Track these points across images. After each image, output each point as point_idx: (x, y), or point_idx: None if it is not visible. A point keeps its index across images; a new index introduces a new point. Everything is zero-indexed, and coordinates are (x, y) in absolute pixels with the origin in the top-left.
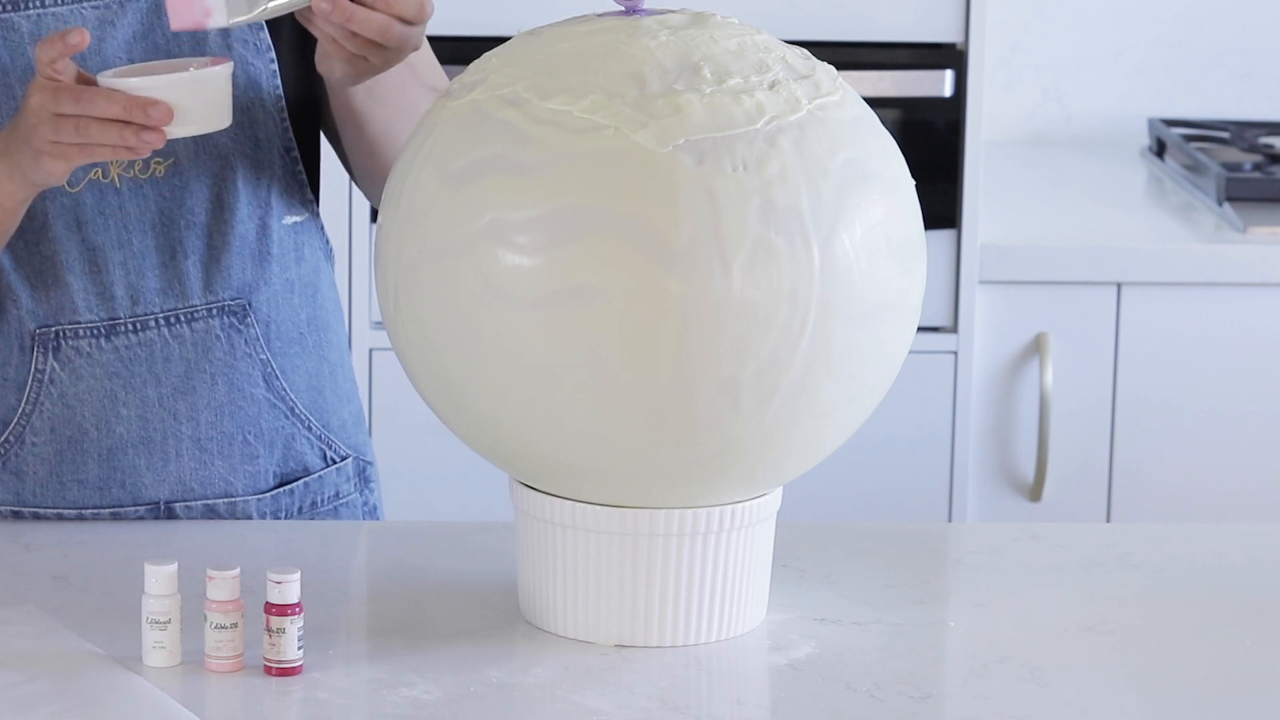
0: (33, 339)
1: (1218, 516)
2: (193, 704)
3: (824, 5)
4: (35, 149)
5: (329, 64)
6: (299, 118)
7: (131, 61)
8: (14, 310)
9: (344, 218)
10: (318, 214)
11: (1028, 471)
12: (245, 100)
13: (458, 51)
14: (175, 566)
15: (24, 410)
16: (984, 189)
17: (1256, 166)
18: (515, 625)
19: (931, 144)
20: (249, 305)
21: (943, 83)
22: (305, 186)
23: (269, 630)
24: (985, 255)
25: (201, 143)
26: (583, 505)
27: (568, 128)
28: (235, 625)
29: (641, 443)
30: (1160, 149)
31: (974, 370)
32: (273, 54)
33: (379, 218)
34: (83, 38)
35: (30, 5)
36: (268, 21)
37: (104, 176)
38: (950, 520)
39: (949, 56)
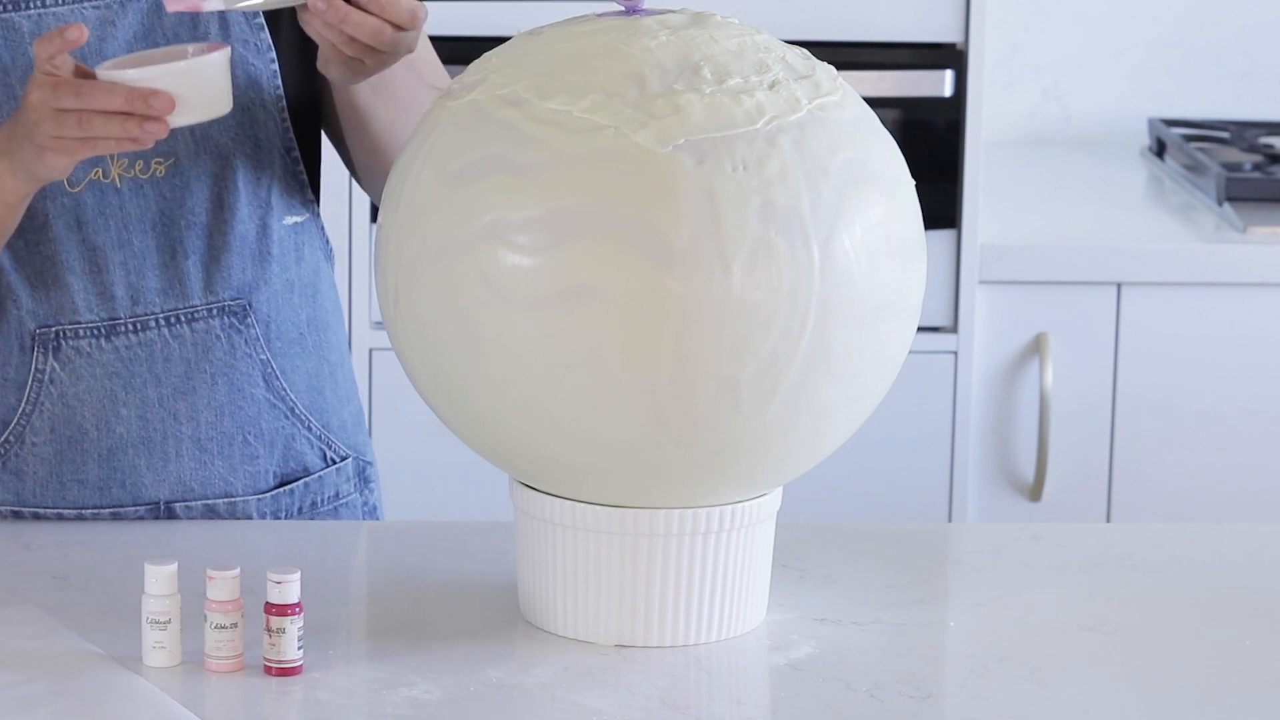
0: (33, 339)
1: (1218, 516)
2: (193, 704)
3: (824, 5)
4: (38, 145)
5: (328, 65)
6: (300, 118)
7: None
8: (14, 310)
9: (344, 218)
10: (318, 214)
11: (1028, 471)
12: (246, 100)
13: (458, 51)
14: (175, 566)
15: (24, 410)
16: (984, 189)
17: (1256, 166)
18: (515, 625)
19: (931, 144)
20: (249, 305)
21: (943, 83)
22: (306, 187)
23: (269, 630)
24: (985, 255)
25: (202, 143)
26: (583, 505)
27: (568, 128)
28: (235, 625)
29: (641, 443)
30: (1160, 149)
31: (974, 370)
32: (273, 54)
33: (379, 218)
34: (81, 33)
35: (31, 5)
36: (268, 22)
37: (104, 176)
38: (950, 520)
39: (949, 56)
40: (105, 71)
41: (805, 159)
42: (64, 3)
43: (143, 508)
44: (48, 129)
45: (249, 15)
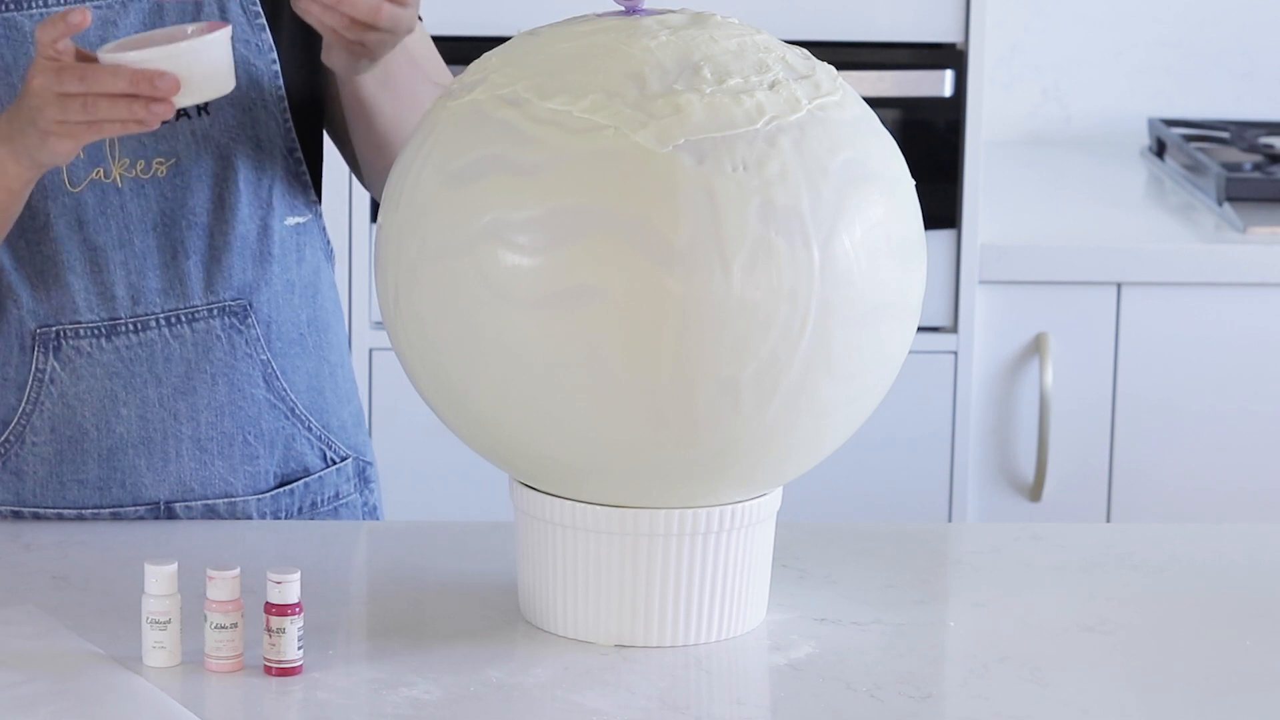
0: (33, 338)
1: (1218, 516)
2: (193, 704)
3: (824, 5)
4: (41, 130)
5: (330, 54)
6: (302, 118)
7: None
8: (15, 310)
9: (344, 218)
10: (320, 214)
11: (1028, 471)
12: (247, 101)
13: (458, 51)
14: (175, 566)
15: (24, 410)
16: (984, 189)
17: (1256, 166)
18: (515, 625)
19: (931, 144)
20: (250, 306)
21: (943, 83)
22: (309, 187)
23: (269, 630)
24: (985, 255)
25: (203, 143)
26: (583, 505)
27: (568, 128)
28: (235, 625)
29: (641, 443)
30: (1160, 149)
31: (974, 370)
32: (274, 54)
33: (379, 218)
34: (84, 17)
35: (33, 4)
36: (269, 23)
37: (105, 176)
38: (950, 520)
39: (949, 56)
40: (107, 55)
41: (805, 159)
42: (65, 2)
43: (143, 508)
44: (52, 114)
45: (250, 15)
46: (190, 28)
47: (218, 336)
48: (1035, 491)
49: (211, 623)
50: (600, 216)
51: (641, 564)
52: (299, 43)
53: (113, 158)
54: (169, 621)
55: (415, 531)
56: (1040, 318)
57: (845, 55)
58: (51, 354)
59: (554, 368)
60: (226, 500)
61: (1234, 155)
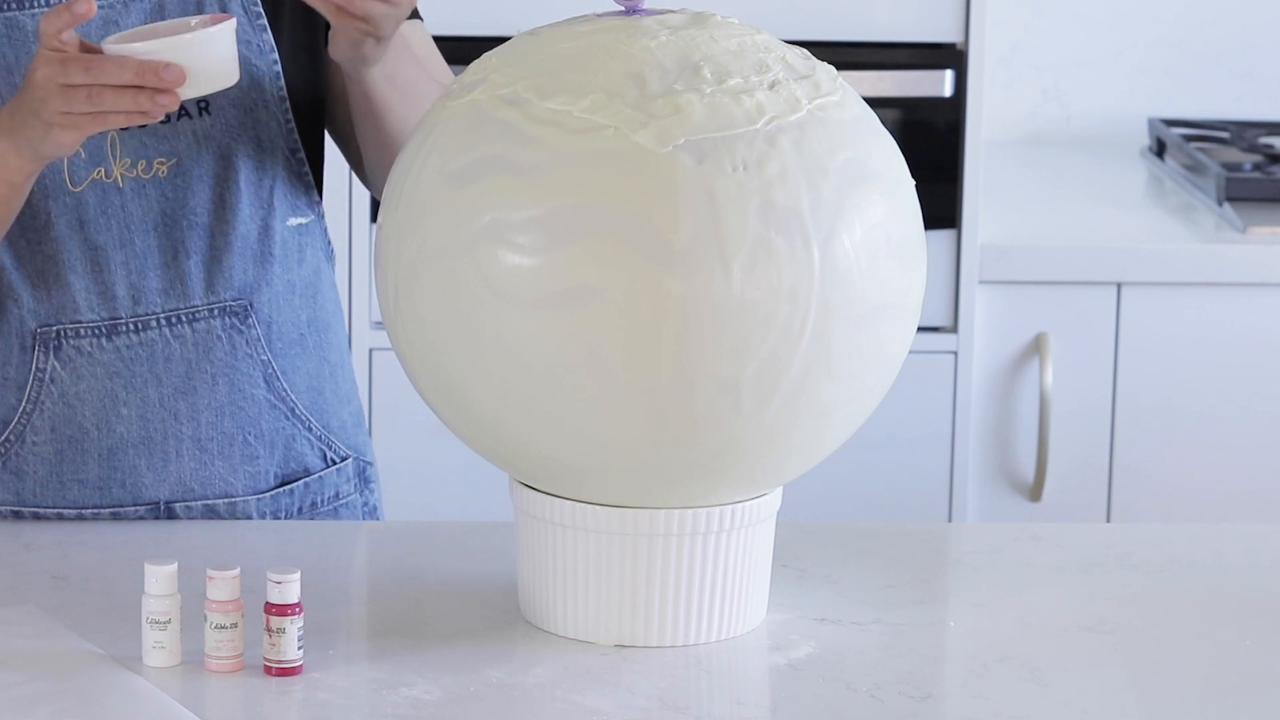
0: (34, 338)
1: (1218, 516)
2: (193, 704)
3: (824, 5)
4: (45, 121)
5: (336, 42)
6: (303, 119)
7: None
8: (15, 309)
9: (344, 218)
10: (322, 215)
11: (1028, 471)
12: (248, 101)
13: (458, 51)
14: (175, 566)
15: (24, 409)
16: (984, 189)
17: (1256, 166)
18: (515, 625)
19: (931, 144)
20: (250, 306)
21: (943, 83)
22: (311, 188)
23: (269, 630)
24: (985, 255)
25: (204, 143)
26: (583, 505)
27: (568, 128)
28: (235, 625)
29: (641, 443)
30: (1160, 149)
31: (974, 370)
32: (276, 54)
33: (379, 217)
34: (89, 7)
35: (35, 4)
36: (270, 23)
37: (106, 176)
38: (950, 520)
39: (949, 56)
40: (112, 46)
41: (805, 159)
42: None
43: (143, 508)
44: (56, 105)
45: (251, 16)
46: (194, 20)
47: (218, 336)
48: (1035, 491)
49: (211, 623)
50: (600, 216)
51: (641, 564)
52: (301, 43)
53: (114, 157)
54: (169, 621)
55: (415, 531)
56: (1040, 318)
57: (845, 55)
58: (52, 353)
59: (554, 368)
60: (226, 500)
61: (1234, 155)
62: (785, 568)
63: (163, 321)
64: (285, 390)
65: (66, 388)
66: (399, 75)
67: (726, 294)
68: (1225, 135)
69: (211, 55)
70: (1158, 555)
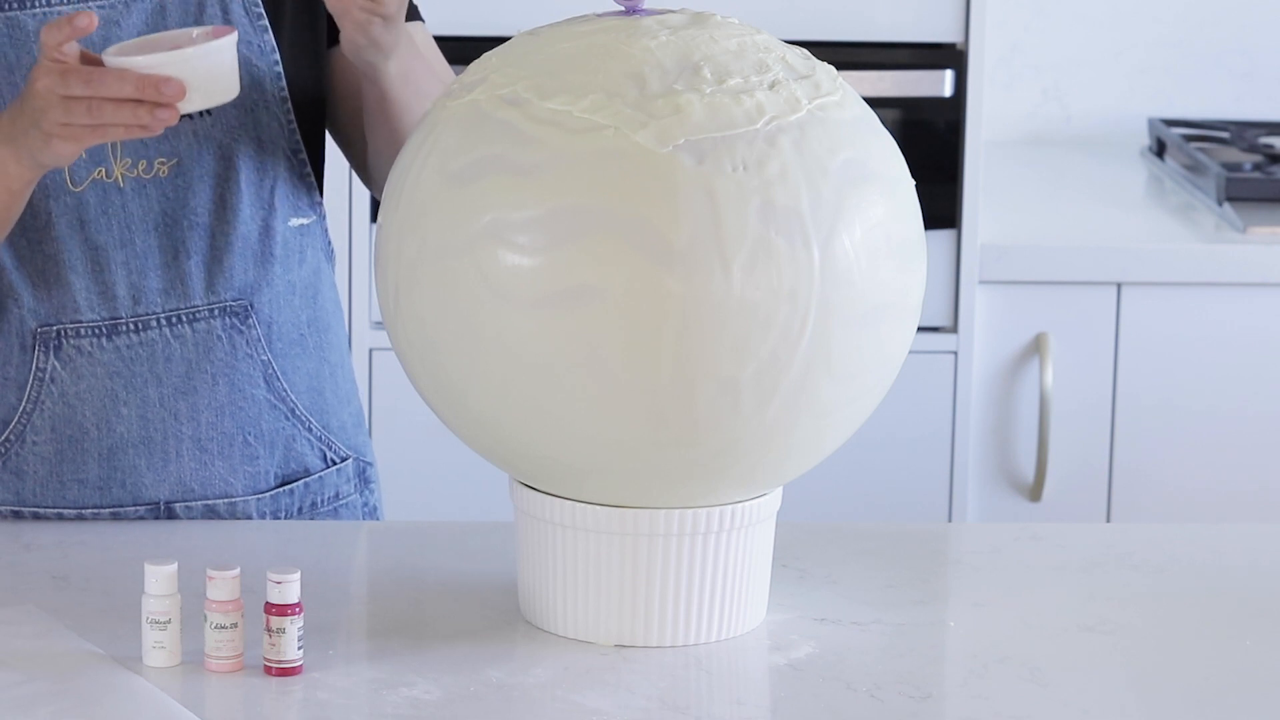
0: (34, 338)
1: (1218, 516)
2: (193, 704)
3: (824, 5)
4: (44, 132)
5: (347, 35)
6: (305, 120)
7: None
8: (15, 309)
9: (344, 218)
10: (323, 215)
11: (1028, 471)
12: (249, 102)
13: (458, 51)
14: (175, 566)
15: (25, 409)
16: (984, 189)
17: (1256, 166)
18: (515, 625)
19: (931, 144)
20: (251, 306)
21: (943, 83)
22: (313, 188)
23: (269, 630)
24: (985, 255)
25: (205, 143)
26: (583, 505)
27: (568, 128)
28: (235, 625)
29: (641, 443)
30: (1160, 149)
31: (974, 370)
32: (277, 55)
33: (379, 217)
34: (90, 21)
35: (36, 4)
36: (272, 24)
37: (107, 176)
38: (950, 520)
39: (949, 56)
40: (113, 58)
41: (805, 159)
42: (69, 1)
43: (143, 508)
44: (56, 116)
45: (253, 17)
46: (195, 32)
47: (218, 337)
48: (1035, 491)
49: (211, 623)
50: (600, 216)
51: (641, 564)
52: (302, 43)
53: (115, 157)
54: (169, 621)
55: (415, 531)
56: (1040, 318)
57: (845, 55)
58: (52, 353)
59: (554, 368)
60: (226, 500)
61: (1234, 155)
62: (785, 568)
63: (163, 321)
64: (285, 390)
65: (67, 387)
66: (412, 74)
67: (726, 294)
68: (1225, 135)
69: (212, 69)
70: (1158, 555)
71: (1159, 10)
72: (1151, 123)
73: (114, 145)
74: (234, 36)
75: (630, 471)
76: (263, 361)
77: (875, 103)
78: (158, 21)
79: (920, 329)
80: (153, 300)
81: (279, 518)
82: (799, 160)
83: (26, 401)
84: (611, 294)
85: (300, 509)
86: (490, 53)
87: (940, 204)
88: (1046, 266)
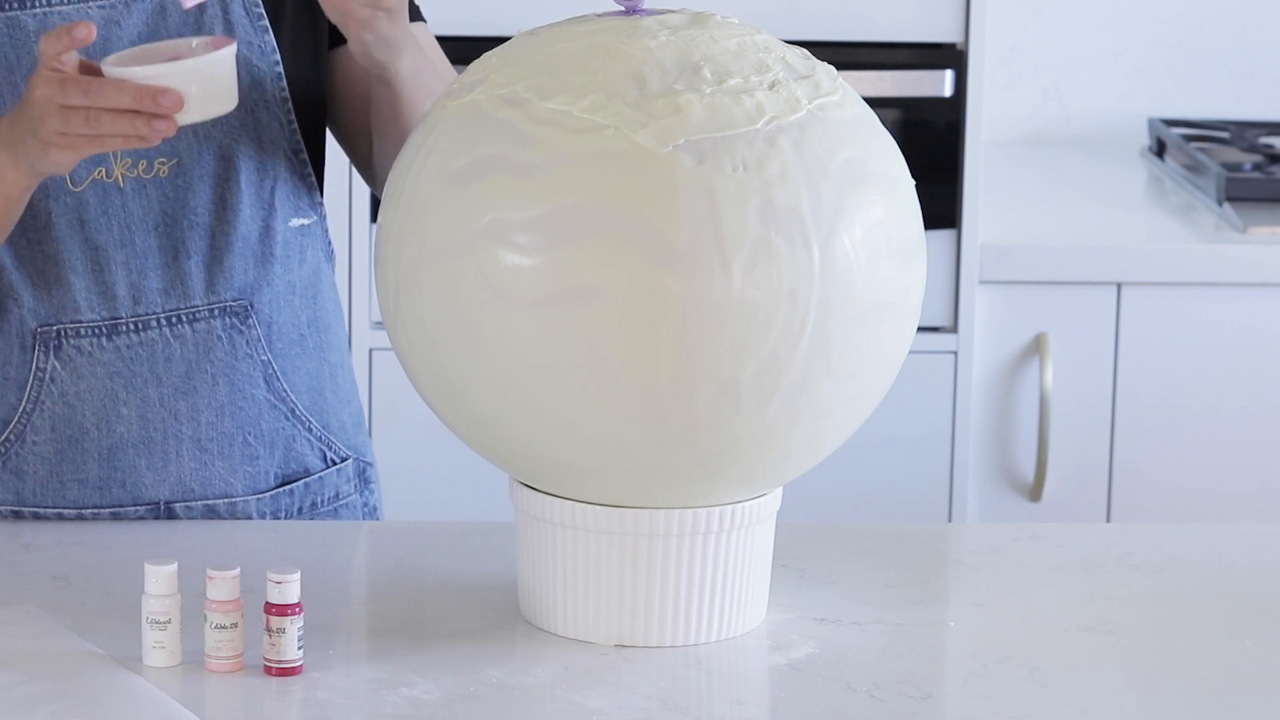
0: (34, 338)
1: (1218, 516)
2: (193, 704)
3: (824, 5)
4: (42, 140)
5: (354, 38)
6: (305, 120)
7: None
8: (15, 309)
9: (344, 218)
10: (324, 216)
11: (1028, 471)
12: (249, 102)
13: (458, 51)
14: (175, 566)
15: (25, 409)
16: (984, 189)
17: (1256, 166)
18: (515, 625)
19: (931, 144)
20: (251, 306)
21: (943, 83)
22: (314, 189)
23: (269, 630)
24: (985, 255)
25: (205, 143)
26: (583, 505)
27: (568, 128)
28: (235, 625)
29: (641, 443)
30: (1160, 149)
31: (974, 370)
32: (277, 56)
33: (379, 217)
34: (89, 32)
35: (37, 4)
36: (272, 24)
37: (107, 176)
38: (950, 520)
39: (949, 56)
40: (111, 68)
41: (805, 159)
42: (69, 1)
43: (143, 508)
44: (53, 125)
45: (253, 17)
46: (195, 42)
47: (218, 337)
48: (1035, 491)
49: (211, 623)
50: (600, 216)
51: (641, 564)
52: (303, 44)
53: (115, 157)
54: (169, 621)
55: (415, 531)
56: (1040, 318)
57: (845, 55)
58: (52, 353)
59: (554, 368)
60: (226, 500)
61: (1234, 155)
62: (785, 568)
63: (163, 321)
64: (285, 391)
65: (67, 387)
66: (422, 75)
67: (726, 294)
68: (1225, 135)
69: (211, 81)
70: (1158, 555)
71: (1159, 10)
72: (1151, 123)
73: None
74: (233, 48)
75: (630, 471)
76: (263, 361)
77: (875, 103)
78: (158, 22)
79: (920, 329)
80: (153, 300)
81: (279, 518)
82: (799, 160)
83: (26, 401)
84: (611, 294)
85: (300, 509)
86: (490, 53)
87: (940, 204)
88: (1046, 266)
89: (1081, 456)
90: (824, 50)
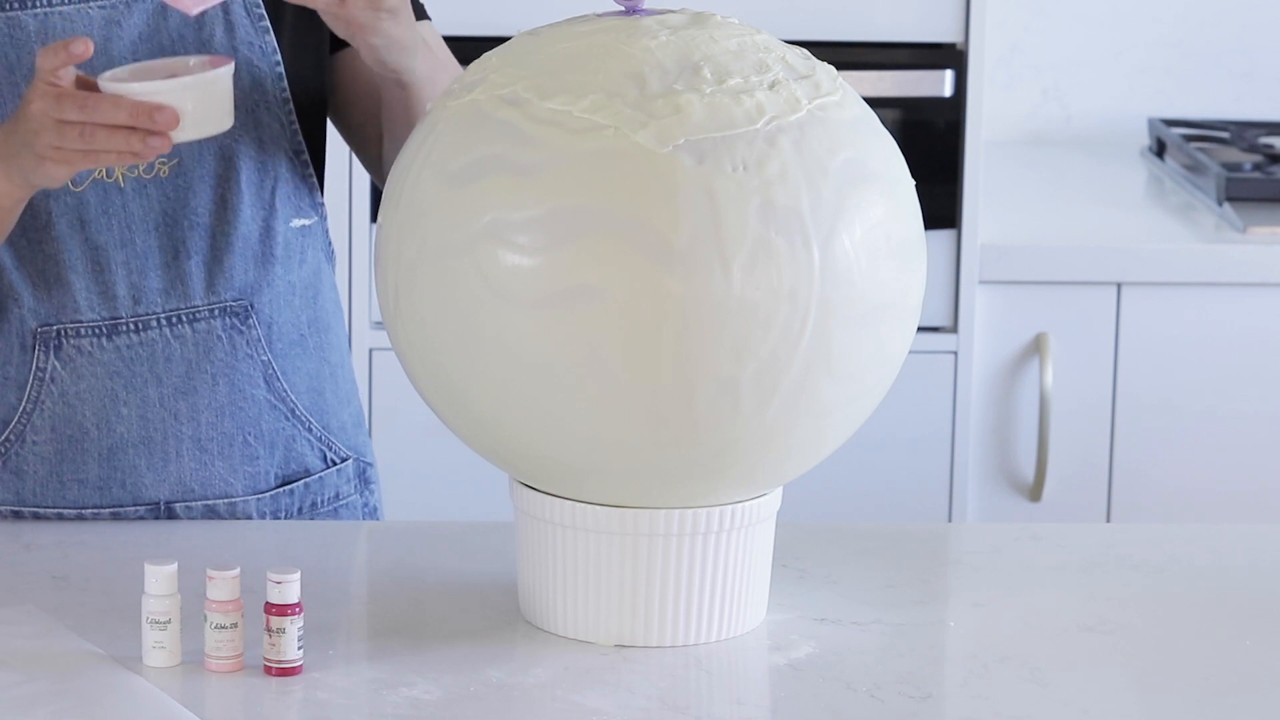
0: (34, 337)
1: (1218, 516)
2: (193, 704)
3: (824, 5)
4: (37, 154)
5: (366, 46)
6: (306, 121)
7: (138, 61)
8: (16, 309)
9: (344, 218)
10: (325, 216)
11: (1028, 471)
12: (250, 103)
13: (458, 51)
14: (175, 566)
15: (25, 409)
16: (984, 189)
17: (1256, 166)
18: (515, 625)
19: (931, 144)
20: (251, 306)
21: (943, 83)
22: (315, 189)
23: (269, 630)
24: (985, 255)
25: (206, 144)
26: (583, 505)
27: (568, 128)
28: (235, 625)
29: (641, 443)
30: (1160, 149)
31: (974, 370)
32: (278, 57)
33: (379, 217)
34: (86, 47)
35: (37, 4)
36: (273, 25)
37: (108, 176)
38: (950, 520)
39: (949, 56)
40: (108, 84)
41: (805, 159)
42: (69, 2)
43: (143, 508)
44: (48, 139)
45: (254, 18)
46: (192, 60)
47: (219, 337)
48: (1035, 491)
49: (211, 623)
50: (600, 216)
51: (641, 564)
52: (304, 44)
53: None
54: (169, 621)
55: (415, 531)
56: (1040, 318)
57: (845, 55)
58: (52, 353)
59: (554, 368)
60: (226, 500)
61: (1234, 155)
62: (785, 568)
63: (163, 321)
64: (285, 391)
65: (67, 387)
66: (435, 74)
67: (726, 294)
68: (1225, 135)
69: (207, 99)
70: (1158, 555)
71: (1159, 10)
72: (1151, 123)
73: None
74: (230, 67)
75: (630, 471)
76: (263, 362)
77: (875, 103)
78: (159, 22)
79: (920, 329)
80: (153, 300)
81: (279, 518)
82: (799, 160)
83: (26, 401)
84: (611, 294)
85: (300, 509)
86: (490, 53)
87: (940, 204)
88: (1046, 266)
89: (1081, 456)
90: (824, 50)
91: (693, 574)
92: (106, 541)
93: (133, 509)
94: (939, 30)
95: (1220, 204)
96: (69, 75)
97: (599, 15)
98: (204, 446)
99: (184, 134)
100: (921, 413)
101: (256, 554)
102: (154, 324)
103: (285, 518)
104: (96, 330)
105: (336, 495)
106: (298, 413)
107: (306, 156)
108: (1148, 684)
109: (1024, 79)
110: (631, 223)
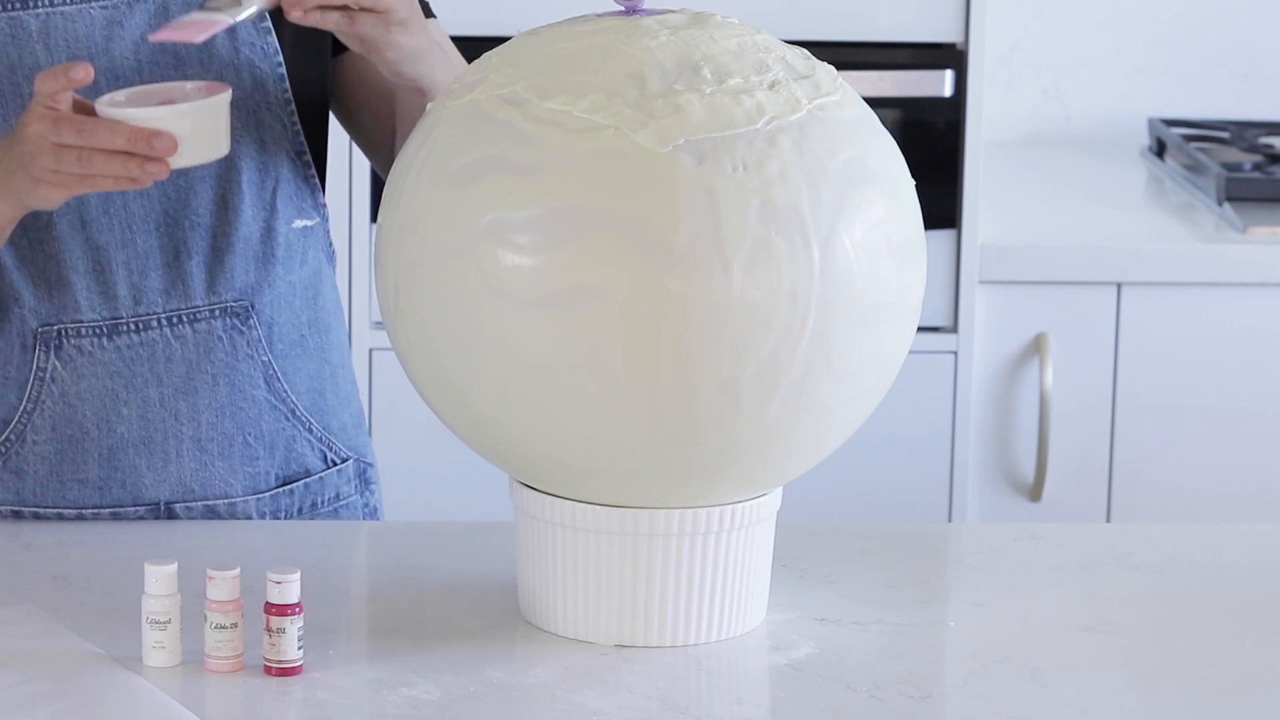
0: (35, 337)
1: (1218, 516)
2: (193, 704)
3: (824, 5)
4: (34, 177)
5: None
6: (308, 122)
7: (139, 63)
8: (16, 309)
9: (344, 218)
10: (327, 217)
11: (1028, 471)
12: (252, 104)
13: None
14: (175, 566)
15: (25, 409)
16: (984, 189)
17: (1256, 166)
18: (515, 625)
19: (931, 144)
20: (251, 307)
21: (943, 83)
22: (317, 190)
23: (269, 630)
24: (985, 255)
25: None
26: (583, 505)
27: (568, 128)
28: (235, 625)
29: (641, 443)
30: (1160, 149)
31: (974, 370)
32: (280, 58)
33: (379, 218)
34: (87, 73)
35: (39, 4)
36: (275, 26)
37: None
38: (950, 520)
39: (949, 56)
40: (105, 108)
41: (805, 159)
42: (71, 2)
43: (143, 508)
44: (45, 163)
45: (255, 19)
46: (189, 86)
47: (219, 337)
48: (1035, 491)
49: (211, 623)
50: (600, 216)
51: (641, 564)
52: (305, 45)
53: None
54: (169, 621)
55: (415, 531)
56: (1040, 318)
57: (845, 55)
58: (53, 353)
59: (554, 368)
60: (226, 501)
61: (1234, 155)
62: (785, 568)
63: (164, 321)
64: (286, 391)
65: (67, 387)
66: (450, 77)
67: (726, 294)
68: (1225, 135)
69: (205, 125)
70: (1158, 555)
71: (1159, 10)
72: (1151, 123)
73: None
74: (228, 95)
75: (630, 471)
76: (263, 362)
77: (875, 103)
78: (160, 22)
79: (920, 329)
80: (154, 300)
81: (279, 518)
82: (799, 160)
83: (27, 401)
84: (611, 294)
85: (300, 509)
86: (490, 53)
87: (940, 204)
88: (1046, 266)
89: (1081, 456)
90: (824, 50)
91: (693, 574)
92: (106, 541)
93: (133, 509)
94: (939, 30)
95: (1220, 204)
96: (68, 100)
97: (599, 15)
98: (204, 447)
99: (181, 160)
100: (921, 413)
101: (256, 554)
102: (154, 324)
103: (285, 518)
104: (97, 330)
105: (337, 495)
106: (298, 413)
107: (309, 157)
108: (1148, 684)
109: (1024, 79)
110: (631, 223)
